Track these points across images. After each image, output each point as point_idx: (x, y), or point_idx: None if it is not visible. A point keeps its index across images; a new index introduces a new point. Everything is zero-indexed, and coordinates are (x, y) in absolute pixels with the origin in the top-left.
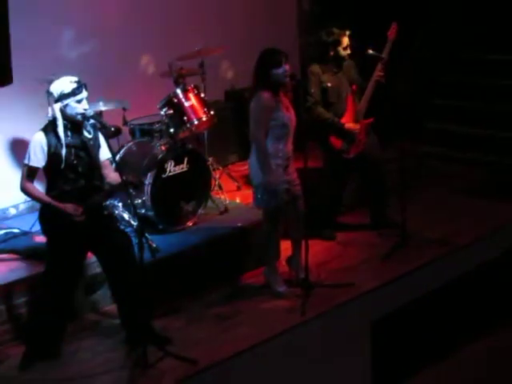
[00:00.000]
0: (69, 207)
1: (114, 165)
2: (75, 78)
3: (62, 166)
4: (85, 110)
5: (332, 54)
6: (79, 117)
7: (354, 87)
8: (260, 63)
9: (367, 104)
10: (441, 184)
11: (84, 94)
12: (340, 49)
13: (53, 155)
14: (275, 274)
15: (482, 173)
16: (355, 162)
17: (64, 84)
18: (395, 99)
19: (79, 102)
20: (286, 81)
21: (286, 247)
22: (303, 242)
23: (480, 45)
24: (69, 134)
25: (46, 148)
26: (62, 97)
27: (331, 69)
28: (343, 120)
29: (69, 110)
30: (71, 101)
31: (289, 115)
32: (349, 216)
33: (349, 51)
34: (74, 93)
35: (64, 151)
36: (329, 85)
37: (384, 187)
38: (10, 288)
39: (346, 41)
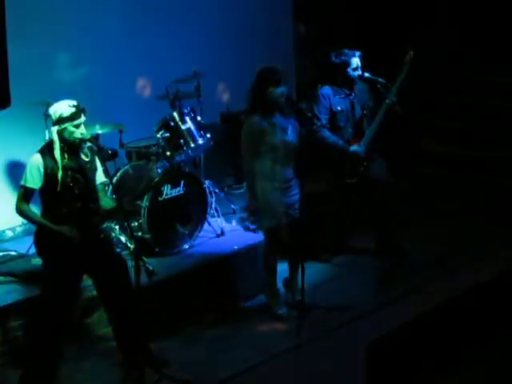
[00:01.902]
0: (64, 229)
1: (110, 187)
2: (74, 102)
3: (59, 188)
4: (82, 134)
5: (342, 75)
6: (76, 141)
7: (364, 111)
8: (258, 80)
9: (377, 129)
10: (440, 205)
11: (82, 119)
12: (350, 70)
13: (49, 177)
14: (275, 297)
15: (481, 194)
16: (360, 186)
17: (63, 108)
18: (394, 121)
19: (77, 126)
20: (280, 101)
21: (283, 269)
22: (300, 265)
23: (481, 66)
24: (66, 156)
25: (42, 169)
26: (61, 120)
27: (343, 91)
28: (349, 144)
29: (66, 134)
30: (69, 125)
31: (285, 137)
32: (350, 239)
33: (359, 72)
34: (72, 117)
35: (60, 173)
36: (338, 108)
37: (389, 212)
38: (6, 310)
39: (355, 61)
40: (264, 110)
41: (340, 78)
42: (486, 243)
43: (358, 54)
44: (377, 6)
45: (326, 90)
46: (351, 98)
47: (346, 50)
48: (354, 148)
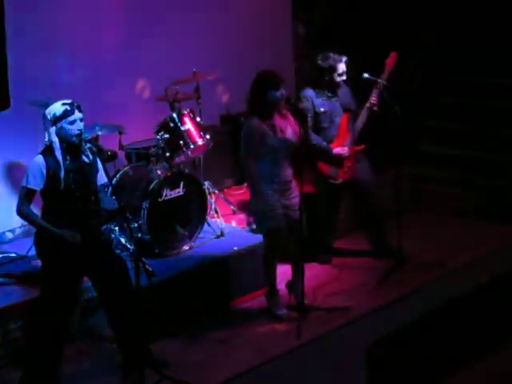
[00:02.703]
0: (66, 234)
1: (109, 189)
2: (68, 101)
3: (60, 189)
4: (79, 130)
5: (327, 79)
6: (74, 139)
7: (347, 113)
8: (257, 84)
9: (360, 130)
10: (438, 206)
11: (77, 115)
12: (335, 75)
13: (51, 178)
14: (275, 298)
15: (479, 195)
16: (345, 188)
17: (56, 107)
18: (389, 122)
19: (72, 123)
20: (280, 104)
21: (283, 271)
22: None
23: (481, 66)
24: (67, 158)
25: (45, 171)
26: (56, 120)
27: (325, 93)
28: (333, 145)
29: (63, 133)
30: (64, 123)
31: (283, 138)
32: (346, 240)
33: (344, 78)
34: (65, 115)
35: (63, 175)
36: (321, 110)
37: (375, 212)
38: (5, 312)
39: (341, 67)
40: (263, 113)
41: (324, 80)
42: (486, 243)
43: (344, 59)
44: (377, 6)
45: (309, 91)
46: (334, 100)
47: (332, 54)
48: (337, 149)
